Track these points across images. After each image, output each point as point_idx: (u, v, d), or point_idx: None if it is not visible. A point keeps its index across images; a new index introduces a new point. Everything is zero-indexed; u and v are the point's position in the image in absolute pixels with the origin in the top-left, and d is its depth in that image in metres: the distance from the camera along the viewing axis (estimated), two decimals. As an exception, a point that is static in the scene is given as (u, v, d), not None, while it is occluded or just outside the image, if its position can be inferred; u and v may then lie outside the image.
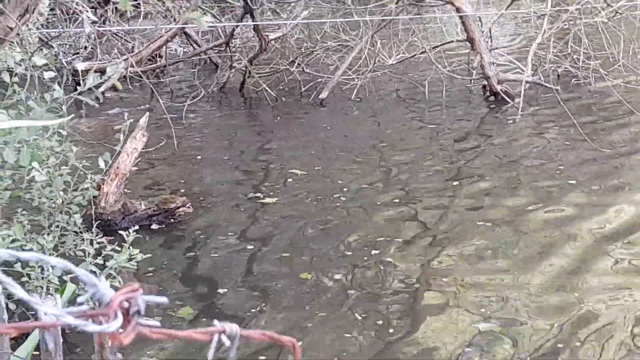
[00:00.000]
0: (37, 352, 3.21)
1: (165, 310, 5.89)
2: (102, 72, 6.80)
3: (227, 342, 0.91)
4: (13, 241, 5.55)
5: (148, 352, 5.34)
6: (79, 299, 0.86)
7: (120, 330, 0.80)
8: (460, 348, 5.34)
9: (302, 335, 5.54)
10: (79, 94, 6.45)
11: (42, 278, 5.40)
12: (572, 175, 8.62)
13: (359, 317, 5.77)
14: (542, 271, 6.40)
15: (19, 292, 0.83)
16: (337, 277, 6.43)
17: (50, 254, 5.68)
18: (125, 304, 0.82)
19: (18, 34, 9.33)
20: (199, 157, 9.80)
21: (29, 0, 7.17)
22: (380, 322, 5.70)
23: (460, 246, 6.95)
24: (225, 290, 6.29)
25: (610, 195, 8.04)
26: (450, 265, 6.59)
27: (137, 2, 13.72)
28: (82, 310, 0.84)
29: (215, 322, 0.91)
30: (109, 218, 7.42)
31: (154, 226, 7.54)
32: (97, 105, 7.16)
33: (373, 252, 6.85)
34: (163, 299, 0.88)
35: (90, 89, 6.50)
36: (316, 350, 5.39)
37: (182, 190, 8.44)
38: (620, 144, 9.64)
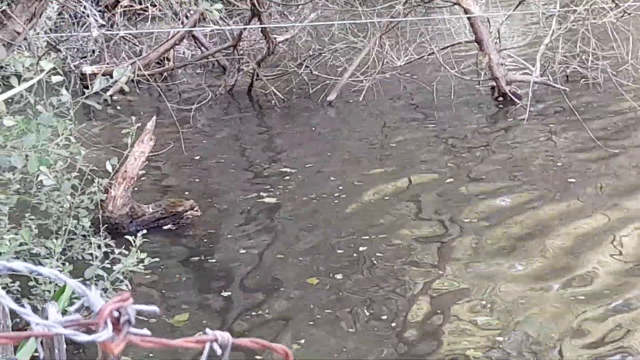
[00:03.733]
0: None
1: (165, 314, 5.91)
2: (109, 75, 6.79)
3: (218, 351, 0.90)
4: (21, 245, 5.56)
5: (151, 355, 5.34)
6: (70, 309, 0.85)
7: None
8: (465, 349, 5.33)
9: (306, 337, 5.54)
10: (86, 97, 6.44)
11: (50, 282, 5.40)
12: (577, 174, 8.63)
13: (364, 319, 5.77)
14: (543, 263, 6.41)
15: (8, 303, 0.82)
16: (341, 278, 6.44)
17: (58, 258, 5.69)
18: (116, 314, 0.81)
19: (25, 39, 9.35)
20: (207, 160, 9.80)
21: (36, 4, 7.18)
22: (387, 324, 5.69)
23: (468, 245, 6.97)
24: (229, 293, 6.29)
25: (615, 194, 8.04)
26: (457, 264, 6.61)
27: (145, 5, 13.75)
28: (72, 320, 0.83)
29: (208, 330, 0.90)
30: (117, 222, 7.42)
31: (162, 229, 7.54)
32: (101, 108, 7.16)
33: (384, 252, 6.85)
34: (153, 308, 0.88)
35: (97, 92, 6.51)
36: (321, 354, 5.38)
37: (190, 193, 8.43)
38: (628, 144, 9.62)
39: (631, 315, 5.69)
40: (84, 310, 0.86)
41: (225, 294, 6.30)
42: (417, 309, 5.93)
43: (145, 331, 0.83)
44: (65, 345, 2.50)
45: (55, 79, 6.28)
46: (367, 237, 7.18)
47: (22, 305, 0.84)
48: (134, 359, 5.19)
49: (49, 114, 6.06)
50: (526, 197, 8.09)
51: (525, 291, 6.09)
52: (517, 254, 6.79)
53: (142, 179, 8.43)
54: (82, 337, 0.81)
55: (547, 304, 5.88)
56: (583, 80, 12.49)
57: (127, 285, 5.66)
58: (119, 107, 11.99)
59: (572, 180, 8.51)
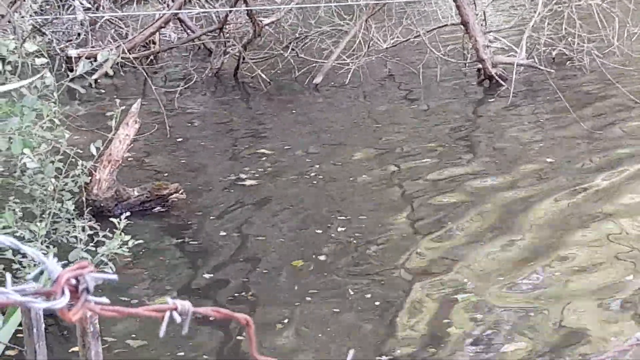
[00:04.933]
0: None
1: (151, 296, 5.92)
2: (93, 58, 6.77)
3: (178, 319, 0.90)
4: (4, 227, 5.56)
5: (133, 335, 5.36)
6: (27, 277, 0.85)
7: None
8: (447, 325, 5.37)
9: (290, 317, 5.57)
10: (70, 80, 6.42)
11: (34, 265, 5.39)
12: (560, 155, 8.68)
13: (348, 298, 5.80)
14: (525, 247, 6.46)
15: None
16: (324, 259, 6.47)
17: (42, 241, 5.69)
18: (74, 282, 0.82)
19: (9, 21, 9.32)
20: (192, 143, 9.79)
21: (19, -13, 7.16)
22: (370, 303, 5.72)
23: (449, 226, 7.02)
24: (212, 275, 6.31)
25: (595, 174, 8.09)
26: (438, 244, 6.67)
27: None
28: (30, 288, 0.83)
29: (168, 299, 0.90)
30: (102, 205, 7.41)
31: (148, 212, 7.54)
32: (85, 92, 7.14)
33: (364, 233, 6.88)
34: (113, 277, 0.88)
35: (83, 75, 6.50)
36: (305, 332, 5.40)
37: (176, 176, 8.43)
38: (611, 125, 9.67)
39: (621, 295, 5.73)
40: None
41: (207, 275, 6.32)
42: (400, 288, 5.96)
43: (105, 299, 0.83)
44: (44, 326, 2.51)
45: (39, 61, 6.28)
46: (349, 219, 7.21)
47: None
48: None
49: (33, 97, 6.05)
50: (506, 177, 8.13)
51: (508, 271, 6.13)
52: (498, 233, 6.84)
53: (128, 161, 8.41)
54: (38, 304, 0.81)
55: (529, 281, 5.94)
56: (569, 62, 12.51)
57: (111, 268, 5.66)
58: (103, 90, 11.97)
59: (554, 159, 8.56)
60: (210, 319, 0.85)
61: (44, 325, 2.52)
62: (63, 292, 0.80)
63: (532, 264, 6.22)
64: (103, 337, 5.17)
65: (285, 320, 5.54)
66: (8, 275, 0.83)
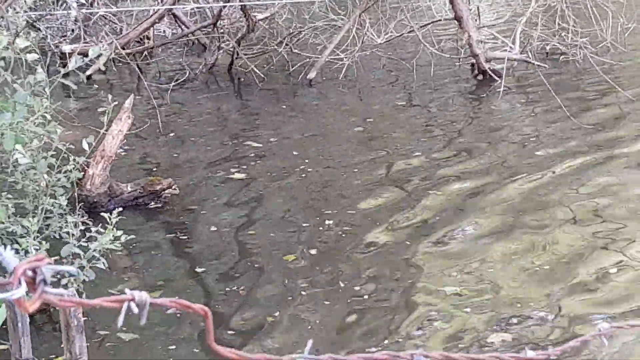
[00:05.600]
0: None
1: (141, 291, 5.93)
2: (87, 54, 6.78)
3: (135, 310, 0.93)
4: (-4, 223, 5.58)
5: (124, 328, 5.39)
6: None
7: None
8: (438, 319, 5.40)
9: (281, 311, 5.61)
10: (63, 76, 6.44)
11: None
12: (552, 150, 8.72)
13: (340, 292, 5.84)
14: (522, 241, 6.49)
15: None
16: (315, 253, 6.51)
17: (35, 237, 5.71)
18: (30, 273, 0.85)
19: (2, 17, 9.33)
20: (186, 138, 9.81)
21: (11, -17, 7.17)
22: (361, 297, 5.75)
23: (442, 222, 7.05)
24: (204, 269, 6.34)
25: (585, 170, 8.13)
26: (432, 240, 6.70)
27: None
28: (-12, 281, 0.86)
29: (126, 290, 0.93)
30: (95, 200, 7.43)
31: (140, 207, 7.56)
32: (76, 88, 7.16)
33: (355, 228, 6.92)
34: (71, 268, 0.90)
35: (75, 71, 6.51)
36: (296, 326, 5.44)
37: (169, 172, 8.45)
38: (604, 120, 9.71)
39: (612, 283, 5.77)
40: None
41: (199, 269, 6.35)
42: (392, 282, 5.99)
43: (62, 290, 0.86)
44: (28, 320, 2.54)
45: (31, 57, 6.30)
46: (341, 213, 7.25)
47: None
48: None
49: (25, 93, 6.07)
50: (500, 172, 8.17)
51: (504, 265, 6.16)
52: (490, 230, 6.87)
53: (121, 156, 8.44)
54: (-6, 295, 0.84)
55: (521, 273, 5.98)
56: (562, 57, 12.54)
57: (103, 263, 5.69)
58: (96, 86, 11.98)
59: (545, 154, 8.61)
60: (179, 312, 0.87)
61: (28, 320, 2.54)
62: (20, 283, 0.83)
63: (529, 260, 6.25)
64: (96, 331, 5.22)
65: (276, 314, 5.58)
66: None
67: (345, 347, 5.10)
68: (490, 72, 11.68)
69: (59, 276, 5.46)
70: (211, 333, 0.99)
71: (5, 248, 0.85)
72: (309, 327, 5.42)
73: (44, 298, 0.85)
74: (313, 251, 6.54)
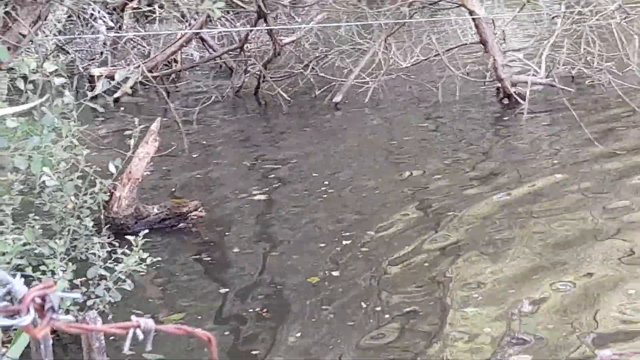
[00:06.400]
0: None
1: (162, 312, 6.00)
2: (114, 77, 6.86)
3: (141, 336, 0.96)
4: (24, 245, 5.64)
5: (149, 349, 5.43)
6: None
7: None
8: (463, 342, 5.41)
9: (304, 333, 5.64)
10: (90, 99, 6.52)
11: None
12: (576, 173, 8.70)
13: (363, 313, 5.86)
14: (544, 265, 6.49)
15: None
16: (338, 275, 6.53)
17: (62, 258, 5.76)
18: (39, 300, 0.89)
19: (31, 41, 9.45)
20: (213, 161, 9.89)
21: (41, 7, 7.28)
22: (385, 318, 5.77)
23: (467, 242, 7.06)
24: (227, 290, 6.39)
25: (608, 194, 8.12)
26: (457, 260, 6.71)
27: (152, 7, 13.84)
28: (-1, 306, 0.90)
29: (133, 317, 0.97)
30: (122, 222, 7.50)
31: (167, 229, 7.63)
32: (104, 111, 7.23)
33: (379, 249, 6.95)
34: (77, 295, 0.94)
35: (104, 94, 6.59)
36: (318, 348, 5.46)
37: (195, 194, 8.52)
38: (627, 144, 9.68)
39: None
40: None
41: (223, 290, 6.40)
42: (416, 302, 6.01)
43: (70, 317, 0.90)
44: (51, 342, 2.58)
45: (58, 80, 6.38)
46: (364, 234, 7.28)
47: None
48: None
49: (52, 116, 6.15)
50: (522, 197, 8.17)
51: (520, 286, 6.16)
52: (513, 249, 6.87)
53: (148, 178, 8.51)
54: (4, 322, 0.88)
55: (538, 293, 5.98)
56: (588, 81, 12.52)
57: (129, 285, 5.74)
58: (123, 108, 12.08)
59: (563, 176, 8.59)
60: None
61: (51, 342, 2.59)
62: (28, 310, 0.87)
63: (546, 278, 6.26)
64: (121, 351, 5.26)
65: (298, 334, 5.61)
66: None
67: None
68: (515, 96, 11.68)
69: (85, 297, 5.52)
70: (215, 358, 1.02)
71: (15, 276, 0.90)
72: (331, 347, 5.44)
73: (52, 324, 0.89)
74: (335, 273, 6.57)
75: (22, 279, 0.87)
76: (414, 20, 13.26)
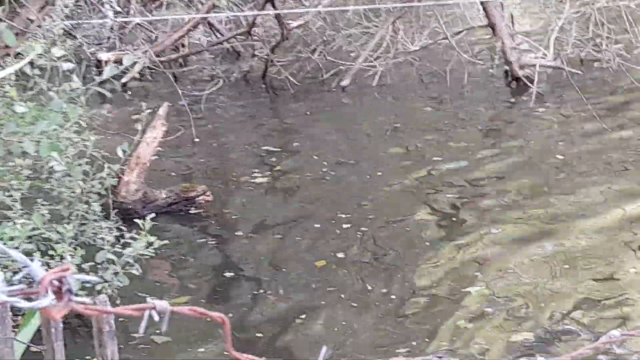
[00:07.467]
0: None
1: (169, 296, 6.02)
2: (122, 62, 6.86)
3: (156, 318, 0.97)
4: (33, 229, 5.66)
5: (157, 331, 5.45)
6: (14, 278, 0.92)
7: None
8: (465, 319, 5.43)
9: (310, 315, 5.66)
10: (98, 84, 6.52)
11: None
12: (586, 159, 8.68)
13: (368, 296, 5.87)
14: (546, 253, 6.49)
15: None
16: (343, 257, 6.55)
17: (70, 243, 5.78)
18: (57, 283, 0.89)
19: (39, 26, 9.44)
20: (220, 145, 9.89)
21: (48, -8, 7.26)
22: (390, 300, 5.78)
23: (472, 227, 7.07)
24: (232, 274, 6.41)
25: (616, 178, 8.10)
26: (461, 244, 6.73)
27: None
28: (16, 289, 0.91)
29: (148, 299, 0.97)
30: (130, 207, 7.51)
31: (175, 213, 7.64)
32: (111, 96, 7.23)
33: (384, 232, 6.97)
34: (94, 278, 0.95)
35: (112, 79, 6.59)
36: (324, 330, 5.48)
37: (203, 178, 8.52)
38: (636, 126, 9.67)
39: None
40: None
41: (228, 274, 6.42)
42: (421, 286, 6.02)
43: (86, 299, 0.90)
44: (61, 326, 2.60)
45: (65, 65, 6.39)
46: (370, 217, 7.29)
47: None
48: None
49: (60, 101, 6.15)
50: (532, 180, 8.17)
51: (534, 278, 6.16)
52: (526, 237, 6.87)
53: (155, 163, 8.52)
54: (24, 304, 0.88)
55: (552, 284, 5.98)
56: (597, 63, 12.47)
57: (137, 269, 5.75)
58: (129, 93, 12.07)
59: (573, 162, 8.59)
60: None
61: (62, 326, 2.60)
62: (46, 293, 0.87)
63: (564, 269, 6.25)
64: (130, 334, 5.28)
65: (303, 316, 5.63)
66: (1, 274, 0.90)
67: (374, 351, 5.13)
68: (523, 79, 11.65)
69: (91, 283, 5.53)
70: (229, 340, 1.02)
71: (33, 260, 0.90)
72: (337, 329, 5.46)
73: (70, 306, 0.89)
74: (341, 255, 6.57)
75: (40, 262, 0.88)
76: (422, 4, 13.20)
